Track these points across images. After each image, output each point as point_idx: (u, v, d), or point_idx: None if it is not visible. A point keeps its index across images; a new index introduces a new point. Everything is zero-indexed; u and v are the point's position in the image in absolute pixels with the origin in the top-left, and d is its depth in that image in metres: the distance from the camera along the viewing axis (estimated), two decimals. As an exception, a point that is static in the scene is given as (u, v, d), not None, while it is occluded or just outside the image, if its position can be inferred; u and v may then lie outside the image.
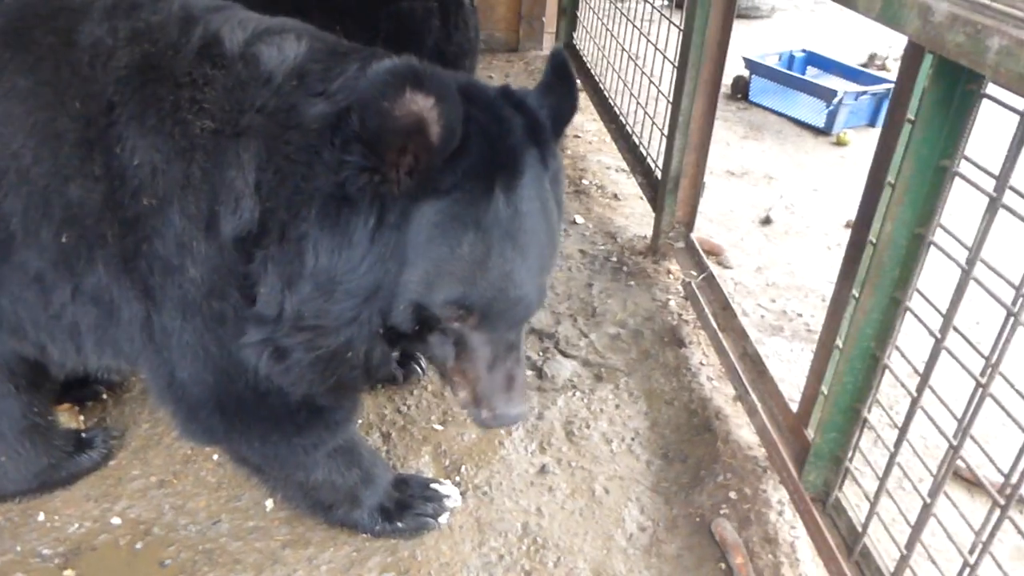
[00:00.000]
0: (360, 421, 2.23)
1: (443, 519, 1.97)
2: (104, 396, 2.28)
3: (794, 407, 2.05)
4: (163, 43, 1.37)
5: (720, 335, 2.49)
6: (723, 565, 1.92)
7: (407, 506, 1.95)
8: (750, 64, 4.79)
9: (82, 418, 2.20)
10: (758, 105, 4.79)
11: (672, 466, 2.20)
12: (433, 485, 2.02)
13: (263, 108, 1.32)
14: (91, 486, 2.02)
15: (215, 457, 2.11)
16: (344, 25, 2.18)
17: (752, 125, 4.55)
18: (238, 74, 1.35)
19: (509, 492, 2.09)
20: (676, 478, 2.17)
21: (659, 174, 3.03)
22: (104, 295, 1.42)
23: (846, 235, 3.34)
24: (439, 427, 2.26)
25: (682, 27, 2.74)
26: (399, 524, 1.93)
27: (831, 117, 4.41)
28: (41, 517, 1.93)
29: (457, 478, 2.11)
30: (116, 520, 1.94)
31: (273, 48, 1.37)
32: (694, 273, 2.80)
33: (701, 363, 2.56)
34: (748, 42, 5.35)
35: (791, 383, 2.43)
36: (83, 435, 2.07)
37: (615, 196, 3.59)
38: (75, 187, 1.34)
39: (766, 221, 3.52)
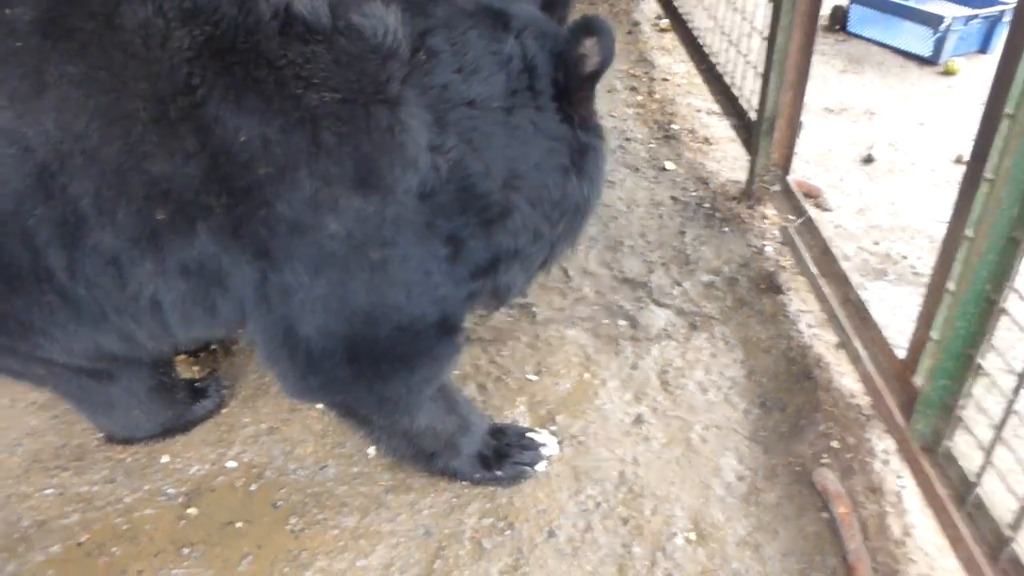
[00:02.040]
0: (456, 372, 2.28)
1: (540, 467, 2.01)
2: (214, 348, 2.39)
3: (900, 353, 1.98)
4: (226, 23, 1.37)
5: (820, 281, 2.41)
6: (825, 515, 1.89)
7: (505, 455, 1.99)
8: (849, -7, 4.53)
9: (196, 369, 2.32)
10: (858, 36, 4.53)
11: (770, 415, 2.17)
12: (530, 434, 2.05)
13: (409, 80, 1.41)
14: (207, 432, 2.14)
15: (320, 405, 2.19)
16: None
17: (851, 58, 4.32)
18: (344, 48, 1.37)
19: (605, 441, 2.10)
20: (775, 427, 2.13)
21: (753, 115, 2.91)
22: (207, 264, 1.45)
23: (956, 172, 3.17)
24: (534, 377, 2.28)
25: (778, -43, 2.60)
26: (498, 472, 1.98)
27: (938, 45, 4.14)
28: (165, 459, 2.06)
29: (553, 428, 2.13)
30: (231, 463, 2.05)
31: (367, 19, 1.39)
32: (791, 217, 2.71)
33: (800, 310, 2.49)
34: (847, -31, 5.04)
35: (896, 329, 2.33)
36: (197, 385, 2.19)
37: (706, 140, 3.48)
38: (160, 164, 1.36)
39: (868, 159, 3.36)
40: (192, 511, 1.94)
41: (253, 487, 1.99)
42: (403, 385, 1.71)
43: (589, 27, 1.45)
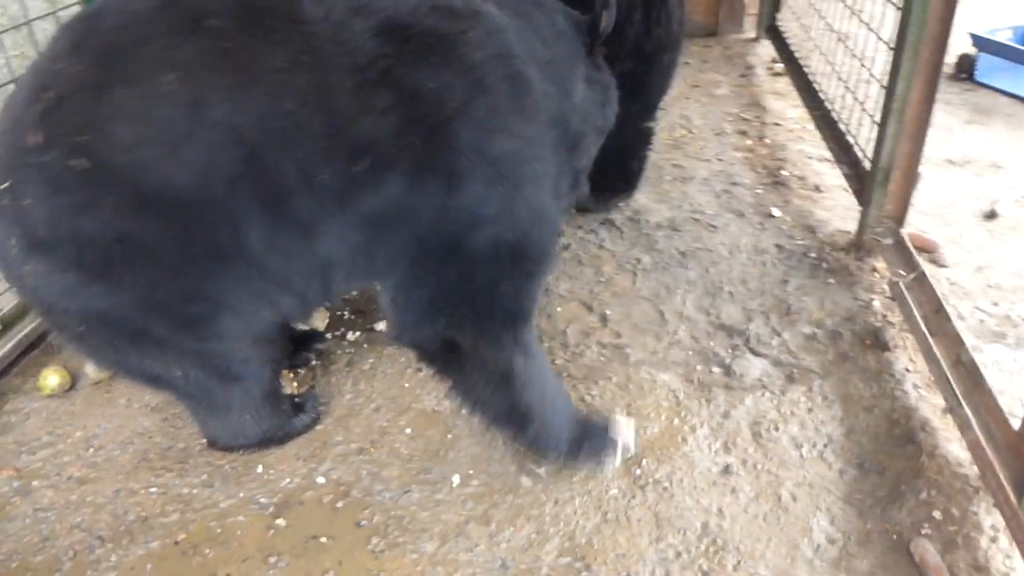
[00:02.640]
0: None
1: (618, 461, 2.10)
2: (314, 362, 2.49)
3: (1015, 423, 1.86)
4: (390, 11, 1.73)
5: (930, 340, 2.29)
6: (922, 589, 1.78)
7: (583, 444, 2.08)
8: (977, 40, 4.33)
9: (295, 385, 2.42)
10: (986, 86, 4.32)
11: (868, 477, 2.07)
12: (612, 425, 2.13)
13: (547, 40, 1.97)
14: (300, 446, 2.22)
15: (408, 431, 2.25)
16: None
17: (978, 108, 4.12)
18: (471, 30, 1.80)
19: (690, 490, 2.05)
20: (871, 491, 2.03)
21: (868, 164, 2.82)
22: (387, 210, 1.73)
23: (1090, 235, 2.97)
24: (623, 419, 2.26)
25: (900, 3, 2.53)
26: (579, 457, 2.08)
27: (1076, 99, 3.90)
28: (259, 469, 2.15)
29: (637, 471, 2.10)
30: (320, 479, 2.12)
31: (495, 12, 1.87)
32: (903, 272, 2.60)
33: (907, 370, 2.37)
34: (976, 16, 4.84)
35: (1012, 396, 2.20)
36: (296, 399, 2.28)
37: (816, 188, 3.39)
38: (362, 123, 1.65)
39: (991, 215, 3.18)
40: (280, 522, 2.01)
41: (339, 504, 2.05)
42: (535, 287, 1.97)
43: (606, 3, 2.03)
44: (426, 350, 1.99)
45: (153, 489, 2.11)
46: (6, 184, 1.58)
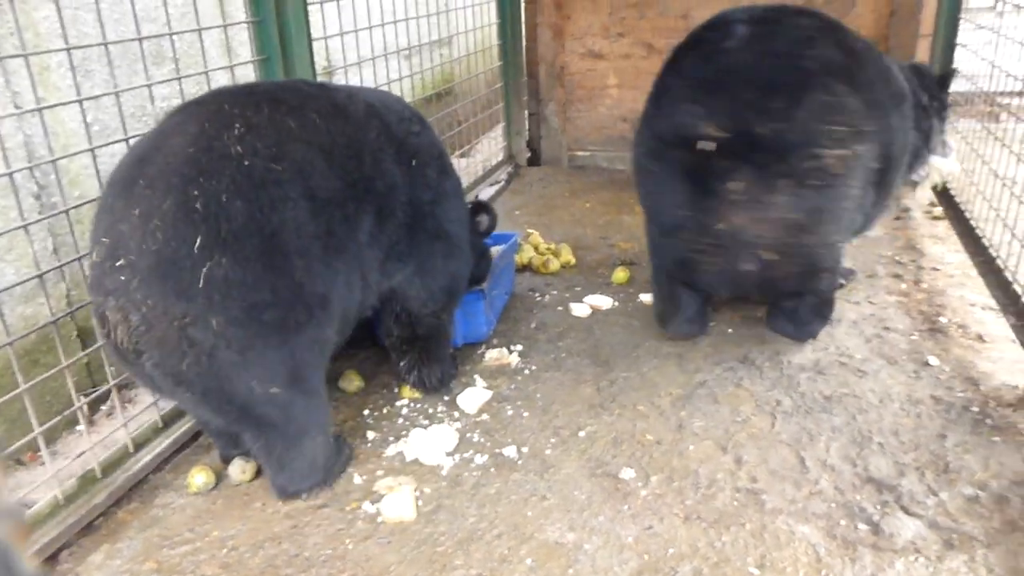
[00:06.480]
0: (671, 551, 2.18)
1: None
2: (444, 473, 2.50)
3: None
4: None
5: (1119, 516, 2.02)
6: None
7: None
8: None
9: (419, 502, 2.43)
10: None
11: (1045, 671, 1.80)
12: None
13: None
14: (420, 567, 2.20)
15: (528, 561, 2.19)
16: None
17: None
18: (347, 97, 2.67)
19: (829, 659, 1.86)
20: None
21: (1038, 315, 2.62)
22: (392, 193, 2.65)
23: None
24: (755, 571, 2.10)
25: (1071, 151, 2.41)
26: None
27: None
28: (377, 589, 2.14)
29: (770, 631, 1.94)
30: (437, 605, 2.08)
31: None
32: (1083, 435, 2.34)
33: (1091, 547, 2.09)
34: None
35: None
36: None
37: (979, 337, 3.16)
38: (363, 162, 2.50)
39: None
40: (393, 644, 1.98)
41: (453, 632, 2.00)
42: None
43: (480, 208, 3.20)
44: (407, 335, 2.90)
45: (275, 595, 2.14)
46: None
